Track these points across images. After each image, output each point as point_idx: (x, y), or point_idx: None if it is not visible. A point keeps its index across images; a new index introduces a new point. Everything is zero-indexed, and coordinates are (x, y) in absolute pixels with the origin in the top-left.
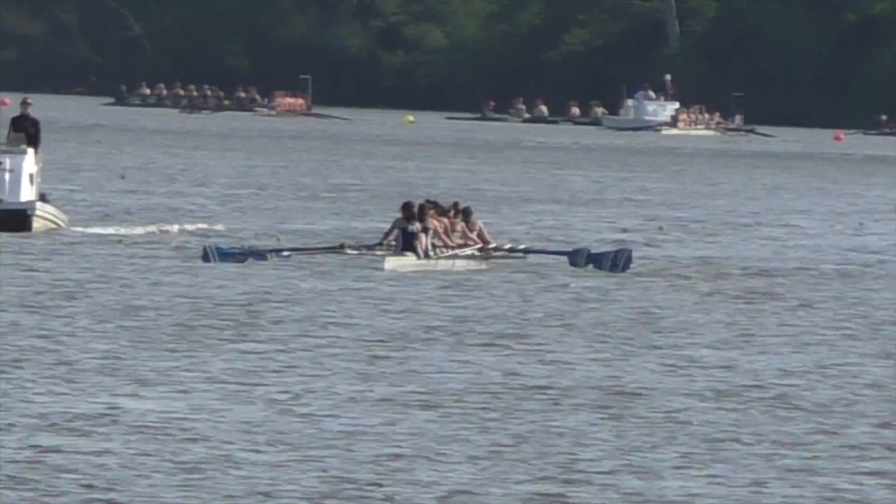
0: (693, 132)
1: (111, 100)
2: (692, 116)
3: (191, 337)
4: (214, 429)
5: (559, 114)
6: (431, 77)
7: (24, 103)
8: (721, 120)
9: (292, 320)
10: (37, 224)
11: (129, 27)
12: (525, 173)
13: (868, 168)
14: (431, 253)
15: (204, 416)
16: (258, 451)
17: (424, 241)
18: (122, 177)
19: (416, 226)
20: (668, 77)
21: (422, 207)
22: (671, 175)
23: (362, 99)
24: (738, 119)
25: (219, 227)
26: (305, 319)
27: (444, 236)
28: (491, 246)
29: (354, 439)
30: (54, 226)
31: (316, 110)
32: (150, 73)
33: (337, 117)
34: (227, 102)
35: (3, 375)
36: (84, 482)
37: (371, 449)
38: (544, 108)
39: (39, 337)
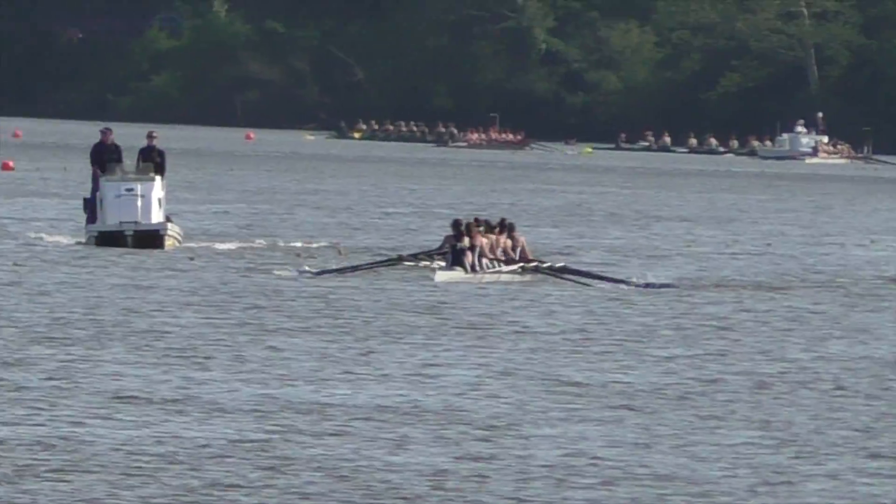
0: (830, 161)
1: (334, 133)
2: (830, 147)
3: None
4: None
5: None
6: (608, 115)
7: (150, 136)
8: (851, 150)
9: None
10: (168, 242)
11: (353, 73)
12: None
13: None
14: (478, 268)
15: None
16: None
17: (471, 257)
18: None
19: (465, 242)
20: (820, 115)
21: (468, 226)
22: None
23: (548, 134)
24: (866, 150)
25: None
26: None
27: (489, 252)
28: (532, 264)
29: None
30: (178, 243)
31: (533, 143)
32: (370, 111)
33: (550, 148)
34: (428, 136)
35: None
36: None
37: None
38: (668, 139)
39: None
